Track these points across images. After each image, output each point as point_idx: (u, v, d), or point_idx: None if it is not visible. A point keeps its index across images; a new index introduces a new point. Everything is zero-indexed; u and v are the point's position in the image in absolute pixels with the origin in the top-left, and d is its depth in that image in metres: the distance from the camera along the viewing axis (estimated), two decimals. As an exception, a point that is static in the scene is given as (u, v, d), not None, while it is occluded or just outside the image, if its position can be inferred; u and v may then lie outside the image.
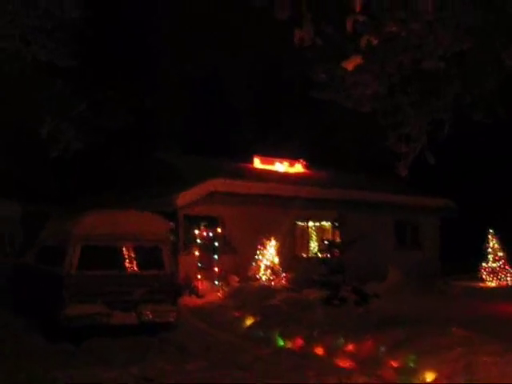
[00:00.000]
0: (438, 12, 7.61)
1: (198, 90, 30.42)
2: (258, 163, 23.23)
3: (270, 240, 18.81)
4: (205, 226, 18.60)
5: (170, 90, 28.92)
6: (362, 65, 7.88)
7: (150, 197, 18.53)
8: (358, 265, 15.06)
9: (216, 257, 18.06)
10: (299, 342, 11.99)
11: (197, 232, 18.29)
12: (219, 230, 18.65)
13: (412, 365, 9.53)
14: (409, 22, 7.65)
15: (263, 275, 18.43)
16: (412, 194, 24.80)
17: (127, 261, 12.85)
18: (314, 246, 21.82)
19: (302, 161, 24.55)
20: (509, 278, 21.50)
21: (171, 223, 16.61)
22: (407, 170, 9.45)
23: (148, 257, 13.17)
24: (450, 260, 24.36)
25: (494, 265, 21.87)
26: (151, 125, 28.16)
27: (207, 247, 18.12)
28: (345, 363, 10.52)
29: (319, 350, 11.31)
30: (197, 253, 18.06)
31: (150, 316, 12.26)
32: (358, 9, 7.34)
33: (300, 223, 21.67)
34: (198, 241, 18.23)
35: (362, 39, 7.64)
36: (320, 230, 22.14)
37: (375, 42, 7.69)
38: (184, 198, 18.18)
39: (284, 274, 18.68)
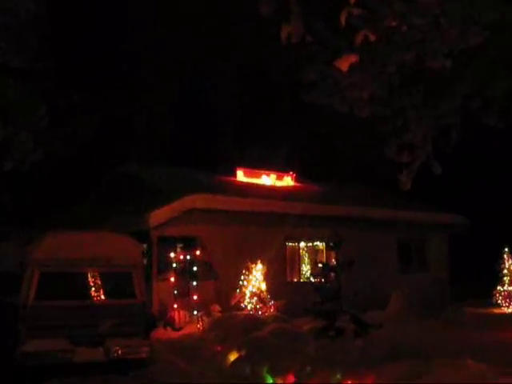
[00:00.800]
0: (443, 4, 7.65)
1: (177, 98, 30.56)
2: (241, 176, 23.35)
3: (257, 263, 18.72)
4: (182, 247, 18.52)
5: (148, 97, 29.01)
6: (357, 64, 7.92)
7: (120, 215, 18.50)
8: (356, 290, 15.00)
9: (195, 283, 17.93)
10: (290, 379, 11.94)
11: (173, 255, 18.16)
12: (198, 252, 18.53)
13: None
14: (410, 15, 7.69)
15: (249, 304, 18.29)
16: (417, 208, 24.96)
17: (93, 289, 12.79)
18: (306, 269, 21.86)
19: (291, 173, 24.68)
20: (527, 304, 21.54)
21: (143, 245, 16.86)
22: (411, 181, 9.59)
23: (117, 284, 13.12)
24: (460, 283, 24.53)
25: (511, 288, 21.93)
26: (125, 135, 28.20)
27: (185, 272, 18.02)
28: (343, 403, 10.54)
29: (313, 389, 11.28)
30: (173, 279, 17.97)
31: (120, 352, 12.16)
32: (352, 0, 7.33)
33: (290, 244, 21.73)
34: (175, 265, 18.11)
35: (357, 35, 7.66)
36: (313, 252, 22.20)
37: (372, 38, 7.72)
38: (158, 216, 18.09)
39: (272, 302, 18.55)
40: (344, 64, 7.81)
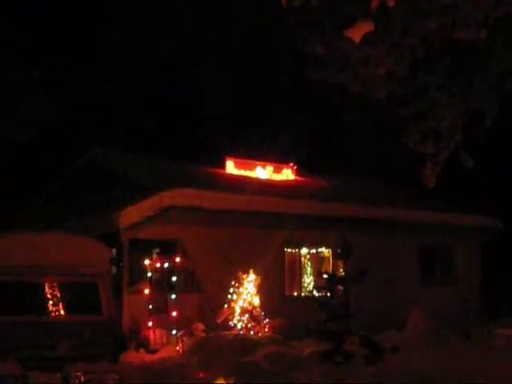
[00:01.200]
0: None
1: (160, 77, 30.55)
2: (231, 168, 23.22)
3: (249, 273, 18.51)
4: (159, 253, 18.42)
5: (123, 74, 28.90)
6: (373, 34, 7.89)
7: (84, 213, 18.37)
8: (369, 306, 15.03)
9: (174, 296, 17.88)
10: (288, 413, 11.91)
11: (148, 262, 18.04)
12: (178, 259, 18.46)
13: None
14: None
15: (239, 322, 18.04)
16: (442, 209, 24.90)
17: (51, 302, 12.74)
18: (308, 281, 21.79)
19: (292, 165, 24.62)
20: None
21: (112, 250, 16.76)
22: (435, 177, 9.59)
23: (79, 297, 13.37)
24: (492, 298, 24.36)
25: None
26: (93, 119, 28.07)
27: (162, 283, 17.97)
28: None
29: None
30: (147, 291, 17.83)
31: (82, 379, 11.88)
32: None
33: (290, 250, 21.64)
34: (150, 274, 18.03)
35: (373, -1, 7.62)
36: (317, 260, 22.15)
37: (391, 2, 7.67)
38: (130, 215, 17.85)
39: (267, 321, 18.31)
40: (357, 34, 7.82)
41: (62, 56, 24.51)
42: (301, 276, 21.82)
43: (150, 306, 17.67)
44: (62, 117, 24.05)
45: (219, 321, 18.32)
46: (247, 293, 18.39)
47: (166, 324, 17.55)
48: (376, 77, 9.00)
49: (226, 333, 17.40)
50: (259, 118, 29.69)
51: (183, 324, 17.66)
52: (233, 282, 18.48)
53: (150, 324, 17.45)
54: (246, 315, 18.10)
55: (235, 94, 30.50)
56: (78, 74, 23.96)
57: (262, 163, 23.86)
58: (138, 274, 18.34)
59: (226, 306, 18.39)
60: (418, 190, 21.62)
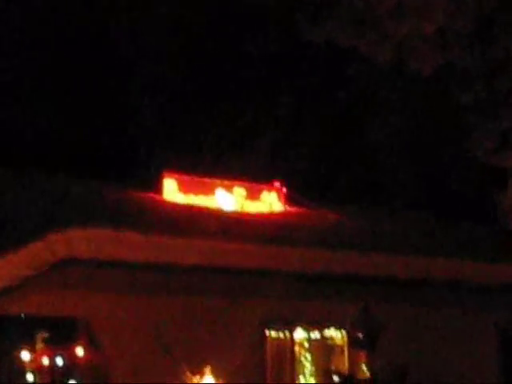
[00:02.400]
0: None
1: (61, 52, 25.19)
2: (173, 191, 18.33)
3: (203, 375, 14.54)
4: (47, 341, 15.02)
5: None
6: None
7: None
8: None
9: None
10: None
11: (27, 357, 14.66)
12: (81, 350, 14.62)
13: None
14: None
15: None
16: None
17: None
18: None
19: (277, 185, 19.47)
20: None
21: None
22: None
23: None
24: None
25: None
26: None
27: None
28: None
29: None
30: None
31: None
32: None
33: (275, 334, 17.08)
34: (31, 377, 14.70)
35: None
36: (322, 350, 17.60)
37: None
38: None
39: None
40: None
41: None
42: (294, 378, 17.00)
43: None
44: None
45: None
46: (201, 410, 15.05)
47: None
48: (419, 39, 8.84)
49: None
50: (221, 110, 23.75)
51: None
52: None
53: None
54: None
55: (181, 67, 25.26)
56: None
57: (225, 183, 18.69)
58: (9, 377, 15.18)
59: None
60: (490, 228, 18.40)
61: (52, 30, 26.18)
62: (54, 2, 26.34)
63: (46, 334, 15.09)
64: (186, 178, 18.36)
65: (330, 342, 17.64)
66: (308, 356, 17.34)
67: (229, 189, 18.60)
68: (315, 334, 17.51)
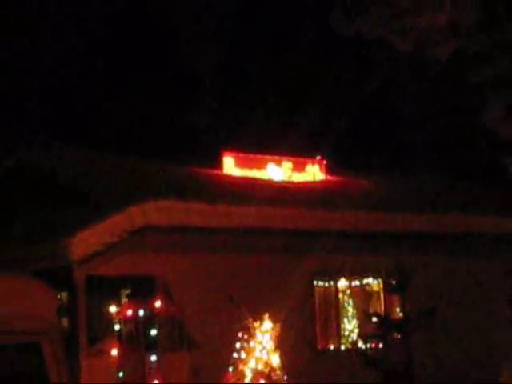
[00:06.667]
0: None
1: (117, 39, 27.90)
2: (231, 167, 20.10)
3: (263, 320, 15.81)
4: (130, 296, 16.80)
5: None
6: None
7: (17, 240, 16.51)
8: (440, 361, 14.24)
9: (154, 358, 15.79)
10: None
11: (114, 310, 16.07)
12: (159, 303, 16.21)
13: None
14: None
15: (251, 391, 16.06)
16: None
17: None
18: (350, 327, 18.95)
19: (319, 159, 21.44)
20: None
21: (60, 294, 15.14)
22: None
23: (14, 365, 10.70)
24: None
25: None
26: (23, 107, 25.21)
27: (136, 339, 16.01)
28: None
29: None
30: (115, 351, 15.60)
31: None
32: None
33: (322, 284, 18.88)
34: (118, 327, 15.96)
35: None
36: (362, 296, 19.54)
37: None
38: (85, 242, 15.69)
39: (293, 388, 16.24)
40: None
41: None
42: (339, 321, 18.93)
43: (121, 374, 15.45)
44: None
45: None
46: (261, 348, 15.97)
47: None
48: (434, 30, 9.46)
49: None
50: (271, 95, 25.40)
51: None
52: (240, 334, 16.08)
53: (121, 400, 15.69)
54: (262, 381, 15.76)
55: (232, 60, 27.16)
56: None
57: (275, 158, 20.57)
58: (100, 327, 16.61)
59: (231, 368, 16.10)
60: (502, 191, 19.90)
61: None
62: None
63: (128, 291, 17.18)
64: (241, 154, 20.56)
65: (368, 288, 19.83)
66: (350, 301, 19.58)
67: (278, 163, 20.77)
68: (355, 283, 19.75)
